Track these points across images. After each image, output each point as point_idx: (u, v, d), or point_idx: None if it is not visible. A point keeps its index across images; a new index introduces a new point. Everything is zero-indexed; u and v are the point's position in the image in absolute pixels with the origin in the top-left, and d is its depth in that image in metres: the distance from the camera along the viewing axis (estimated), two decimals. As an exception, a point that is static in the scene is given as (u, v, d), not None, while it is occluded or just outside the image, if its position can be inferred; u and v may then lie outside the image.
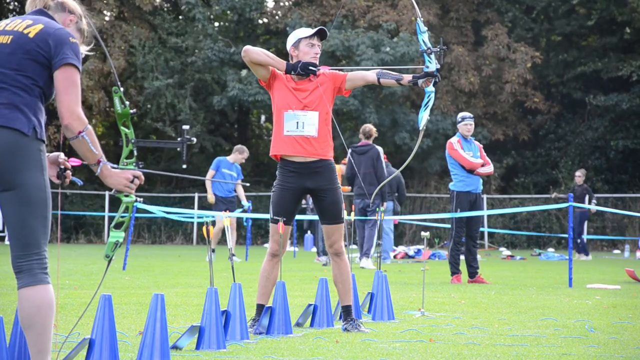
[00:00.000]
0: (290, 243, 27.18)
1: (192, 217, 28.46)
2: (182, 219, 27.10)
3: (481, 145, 14.21)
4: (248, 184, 19.42)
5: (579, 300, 10.59)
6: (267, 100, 30.43)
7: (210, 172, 19.00)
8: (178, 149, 4.92)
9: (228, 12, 34.94)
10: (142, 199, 4.68)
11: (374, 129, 17.11)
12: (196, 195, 32.64)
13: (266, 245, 29.47)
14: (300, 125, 7.45)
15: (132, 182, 4.63)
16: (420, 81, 7.36)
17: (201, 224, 29.94)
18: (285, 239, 7.48)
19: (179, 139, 4.95)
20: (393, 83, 7.46)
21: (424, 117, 7.44)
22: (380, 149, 17.13)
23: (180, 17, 34.39)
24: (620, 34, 34.96)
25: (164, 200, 33.21)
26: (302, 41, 7.51)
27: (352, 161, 16.89)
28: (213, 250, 19.50)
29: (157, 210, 21.56)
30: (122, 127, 4.71)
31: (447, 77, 33.59)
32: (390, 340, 6.88)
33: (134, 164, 4.71)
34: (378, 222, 17.27)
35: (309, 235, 28.81)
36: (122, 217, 4.75)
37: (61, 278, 12.93)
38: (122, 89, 4.70)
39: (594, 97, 33.66)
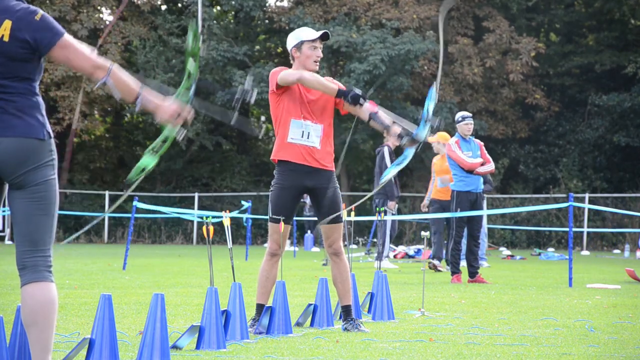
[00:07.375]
0: (290, 243, 27.17)
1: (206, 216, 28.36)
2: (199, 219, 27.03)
3: (482, 144, 14.17)
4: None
5: (579, 300, 10.59)
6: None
7: None
8: (233, 104, 5.05)
9: (227, 10, 34.93)
10: (186, 131, 4.66)
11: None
12: (196, 195, 32.64)
13: (266, 245, 29.43)
14: (305, 135, 7.46)
15: (179, 115, 4.61)
16: (405, 139, 7.28)
17: (201, 224, 29.91)
18: (284, 238, 7.48)
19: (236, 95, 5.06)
20: (380, 128, 7.43)
21: (391, 172, 7.41)
22: (386, 148, 17.20)
23: (182, 17, 34.36)
24: (621, 30, 34.99)
25: (164, 200, 33.21)
26: (305, 44, 7.49)
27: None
28: None
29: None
30: (190, 59, 4.77)
31: (450, 69, 33.64)
32: (390, 340, 6.89)
33: (187, 101, 4.69)
34: (389, 223, 17.29)
35: (309, 235, 28.81)
36: (162, 143, 4.73)
37: (61, 278, 12.94)
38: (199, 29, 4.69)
39: (595, 96, 33.64)
